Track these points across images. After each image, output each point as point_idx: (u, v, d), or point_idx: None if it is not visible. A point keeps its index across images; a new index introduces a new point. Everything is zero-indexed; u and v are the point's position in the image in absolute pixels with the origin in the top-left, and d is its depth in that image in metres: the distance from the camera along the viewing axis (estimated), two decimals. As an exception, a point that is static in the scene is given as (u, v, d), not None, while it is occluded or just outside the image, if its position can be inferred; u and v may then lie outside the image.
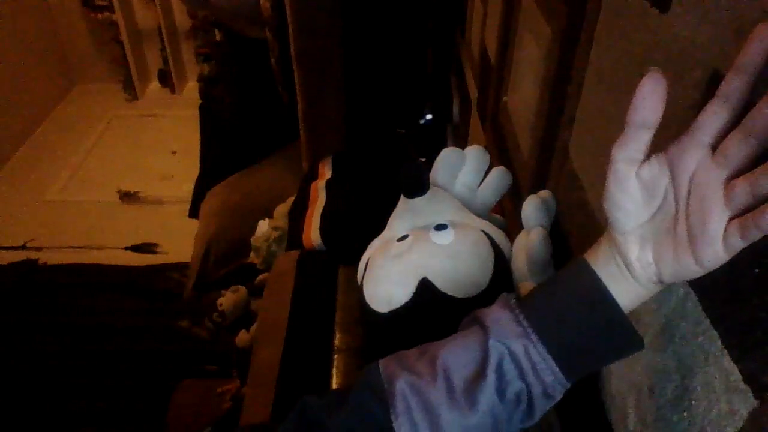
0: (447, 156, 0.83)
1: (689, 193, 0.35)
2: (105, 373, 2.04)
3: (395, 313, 0.67)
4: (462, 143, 1.53)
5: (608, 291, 0.42)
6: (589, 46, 0.64)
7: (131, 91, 3.55)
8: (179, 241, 2.29)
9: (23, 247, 2.57)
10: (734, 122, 0.32)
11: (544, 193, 0.76)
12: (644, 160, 0.37)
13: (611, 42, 0.59)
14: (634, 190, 0.38)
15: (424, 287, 0.67)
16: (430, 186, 0.76)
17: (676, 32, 0.45)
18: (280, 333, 1.20)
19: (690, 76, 0.43)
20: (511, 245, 0.74)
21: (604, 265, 0.42)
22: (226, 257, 1.90)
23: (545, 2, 0.78)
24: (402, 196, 0.77)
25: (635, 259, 0.40)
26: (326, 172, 1.62)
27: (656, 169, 0.37)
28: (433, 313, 0.67)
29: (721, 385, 0.39)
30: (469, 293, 0.67)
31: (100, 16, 3.36)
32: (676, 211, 0.36)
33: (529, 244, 0.69)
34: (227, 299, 1.79)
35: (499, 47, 1.05)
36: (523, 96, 0.89)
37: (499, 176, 0.85)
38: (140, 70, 3.51)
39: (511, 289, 0.71)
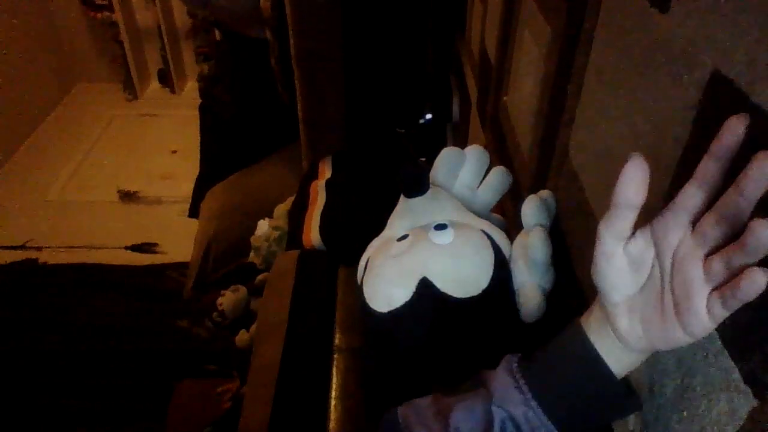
0: (447, 156, 0.83)
1: (673, 267, 0.37)
2: (105, 373, 2.03)
3: (395, 313, 0.67)
4: (462, 143, 1.53)
5: (603, 361, 0.45)
6: (589, 45, 0.64)
7: (131, 90, 3.55)
8: (179, 240, 2.29)
9: (23, 247, 2.57)
10: (711, 201, 0.35)
11: (544, 193, 0.76)
12: (630, 236, 0.40)
13: (611, 42, 0.59)
14: (621, 264, 0.40)
15: (424, 287, 0.67)
16: (430, 186, 0.76)
17: (676, 32, 0.45)
18: (280, 333, 1.20)
19: (690, 76, 0.43)
20: (511, 245, 0.74)
21: (597, 331, 0.45)
22: (226, 257, 1.90)
23: (545, 2, 0.78)
24: (402, 195, 0.77)
25: (625, 329, 0.42)
26: (326, 171, 1.61)
27: (642, 244, 0.39)
28: (432, 312, 0.67)
29: (721, 385, 0.39)
30: (469, 293, 0.67)
31: (99, 15, 3.35)
32: (662, 284, 0.39)
33: (529, 244, 0.69)
34: (227, 299, 1.79)
35: (499, 47, 1.05)
36: (523, 96, 0.89)
37: (499, 176, 0.85)
38: (140, 70, 3.51)
39: (510, 289, 0.71)
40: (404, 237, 0.73)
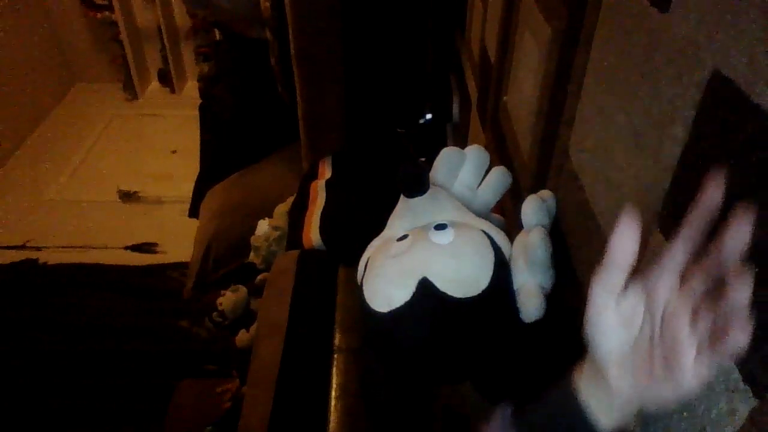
0: (447, 155, 0.83)
1: (662, 323, 0.39)
2: (105, 373, 2.03)
3: (395, 313, 0.67)
4: (462, 143, 1.53)
5: (593, 417, 0.45)
6: (589, 45, 0.64)
7: (131, 90, 3.55)
8: (179, 240, 2.29)
9: (23, 247, 2.57)
10: (697, 260, 0.37)
11: (544, 193, 0.76)
12: (622, 292, 0.41)
13: (611, 42, 0.59)
14: (613, 318, 0.42)
15: (424, 287, 0.67)
16: (430, 186, 0.76)
17: (676, 32, 0.45)
18: (280, 333, 1.20)
19: (690, 76, 0.43)
20: (511, 245, 0.74)
21: (588, 382, 0.46)
22: (226, 257, 1.90)
23: (545, 2, 0.78)
24: (402, 195, 0.77)
25: (616, 382, 0.43)
26: (326, 171, 1.62)
27: (632, 301, 0.41)
28: (432, 312, 0.67)
29: (721, 385, 0.39)
30: (469, 293, 0.67)
31: (99, 15, 3.35)
32: (652, 339, 0.40)
33: (528, 244, 0.69)
34: (227, 299, 1.79)
35: (499, 47, 1.05)
36: (523, 96, 0.89)
37: (499, 176, 0.85)
38: (140, 70, 3.51)
39: (510, 288, 0.71)
40: (404, 237, 0.73)
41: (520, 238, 0.72)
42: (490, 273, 0.68)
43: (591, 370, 0.46)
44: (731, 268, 0.34)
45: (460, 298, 0.66)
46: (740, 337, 0.33)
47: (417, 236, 0.72)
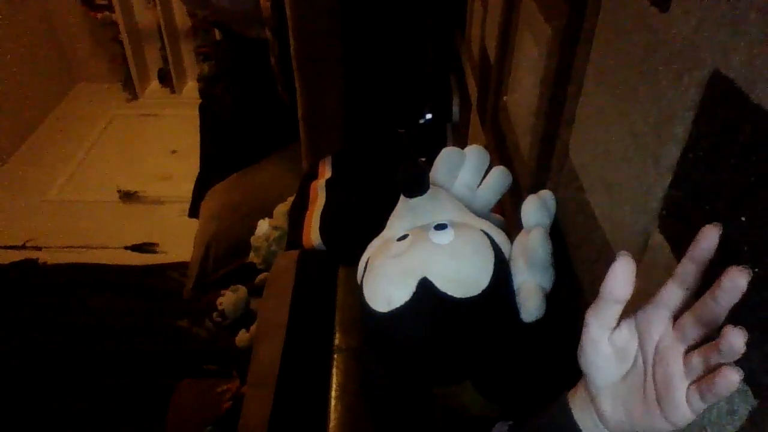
0: (447, 155, 0.83)
1: (655, 359, 0.40)
2: (105, 373, 2.03)
3: (395, 313, 0.67)
4: (462, 143, 1.53)
5: None
6: (589, 45, 0.64)
7: (131, 90, 3.55)
8: (179, 240, 2.29)
9: (23, 247, 2.57)
10: (691, 299, 0.38)
11: (544, 193, 0.76)
12: (616, 326, 0.42)
13: (611, 41, 0.59)
14: (606, 351, 0.43)
15: (424, 287, 0.66)
16: (430, 185, 0.76)
17: (676, 32, 0.45)
18: (280, 333, 1.20)
19: (690, 76, 0.43)
20: (511, 245, 0.74)
21: (581, 409, 0.47)
22: (226, 257, 1.90)
23: (545, 2, 0.78)
24: (401, 195, 0.77)
25: (608, 413, 0.44)
26: (326, 171, 1.62)
27: (626, 335, 0.42)
28: (432, 312, 0.67)
29: (721, 385, 0.39)
30: (469, 293, 0.67)
31: (99, 15, 3.35)
32: (645, 373, 0.41)
33: (528, 244, 0.69)
34: (227, 299, 1.79)
35: (499, 47, 1.05)
36: (523, 96, 0.89)
37: (499, 176, 0.85)
38: (140, 70, 3.51)
39: (510, 288, 0.71)
40: (404, 237, 0.73)
41: (520, 238, 0.73)
42: (490, 273, 0.68)
43: (584, 396, 0.47)
44: (725, 315, 0.35)
45: (460, 298, 0.66)
46: (732, 380, 0.33)
47: (417, 236, 0.72)
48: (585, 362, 0.44)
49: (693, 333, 0.37)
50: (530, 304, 0.68)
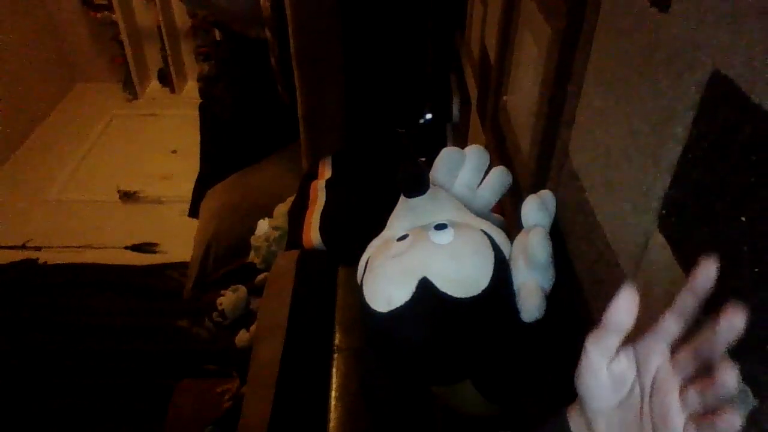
0: (447, 155, 0.83)
1: (652, 389, 0.40)
2: (105, 373, 2.03)
3: (395, 313, 0.67)
4: (462, 143, 1.53)
5: None
6: (589, 45, 0.64)
7: (131, 90, 3.55)
8: (179, 240, 2.29)
9: (23, 247, 2.57)
10: (688, 331, 0.38)
11: (544, 193, 0.76)
12: (615, 355, 0.42)
13: (611, 42, 0.59)
14: (604, 379, 0.43)
15: (424, 287, 0.66)
16: (430, 185, 0.76)
17: (676, 32, 0.45)
18: (280, 332, 1.20)
19: (690, 76, 0.43)
20: (511, 245, 0.74)
21: (580, 428, 0.47)
22: (226, 257, 1.91)
23: (545, 2, 0.78)
24: (402, 195, 0.77)
25: None
26: (326, 171, 1.62)
27: (624, 364, 0.42)
28: (432, 312, 0.67)
29: (721, 385, 0.39)
30: (469, 293, 0.67)
31: (99, 15, 3.36)
32: (642, 402, 0.41)
33: (528, 244, 0.69)
34: (227, 299, 1.79)
35: (499, 47, 1.05)
36: (523, 96, 0.89)
37: (498, 176, 0.85)
38: (140, 70, 3.51)
39: (510, 289, 0.71)
40: (404, 237, 0.73)
41: (520, 238, 0.73)
42: (491, 273, 0.68)
43: (581, 417, 0.47)
44: (722, 350, 0.35)
45: (461, 298, 0.66)
46: (733, 423, 0.33)
47: (417, 236, 0.72)
48: (582, 387, 0.44)
49: (690, 367, 0.37)
50: (530, 304, 0.68)
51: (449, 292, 0.66)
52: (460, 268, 0.68)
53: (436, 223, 0.72)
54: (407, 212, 0.77)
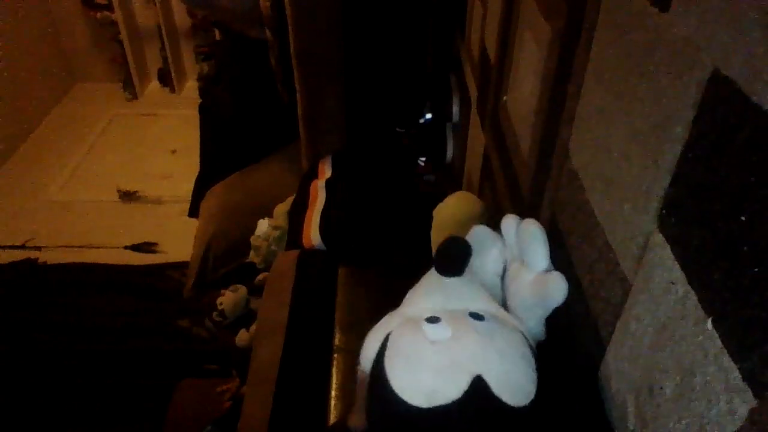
0: (478, 233, 0.75)
1: None
2: (105, 372, 2.03)
3: (439, 410, 0.56)
4: (462, 143, 1.53)
5: None
6: (589, 45, 0.64)
7: (131, 90, 3.55)
8: (179, 240, 2.29)
9: (23, 247, 2.57)
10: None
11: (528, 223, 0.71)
12: None
13: (611, 41, 0.59)
14: None
15: (478, 387, 0.56)
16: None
17: (676, 32, 0.45)
18: (280, 332, 1.20)
19: (690, 75, 0.43)
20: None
21: None
22: (226, 256, 1.91)
23: (545, 2, 0.78)
24: (433, 269, 0.69)
25: None
26: (326, 171, 1.62)
27: None
28: (485, 416, 0.57)
29: (720, 385, 0.39)
30: (521, 402, 0.57)
31: (99, 15, 3.36)
32: None
33: (548, 295, 0.66)
34: (227, 298, 1.79)
35: (499, 47, 1.05)
36: (523, 95, 0.89)
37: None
38: (140, 70, 3.51)
39: (555, 405, 0.63)
40: (434, 319, 0.63)
41: (538, 281, 0.69)
42: (535, 382, 0.60)
43: None
44: None
45: (513, 406, 0.57)
46: None
47: (458, 324, 0.62)
48: None
49: None
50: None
51: (503, 398, 0.57)
52: (509, 370, 0.59)
53: (470, 311, 0.64)
54: (437, 291, 0.68)
